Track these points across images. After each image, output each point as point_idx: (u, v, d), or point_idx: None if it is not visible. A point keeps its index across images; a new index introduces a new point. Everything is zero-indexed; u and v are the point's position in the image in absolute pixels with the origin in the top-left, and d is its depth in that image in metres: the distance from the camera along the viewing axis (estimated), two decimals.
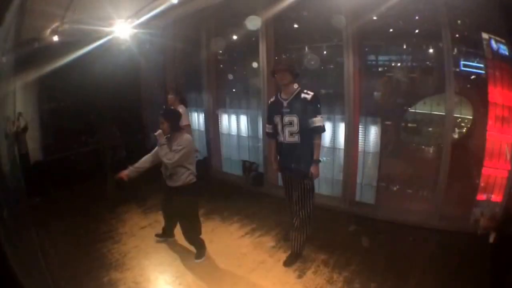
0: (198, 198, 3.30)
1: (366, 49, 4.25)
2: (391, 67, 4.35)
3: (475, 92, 3.76)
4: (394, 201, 4.17)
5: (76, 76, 5.06)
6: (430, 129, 4.18)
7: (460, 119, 3.94)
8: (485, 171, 3.68)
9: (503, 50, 3.58)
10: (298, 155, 2.97)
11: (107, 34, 4.83)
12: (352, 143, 4.14)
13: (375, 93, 4.35)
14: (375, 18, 4.14)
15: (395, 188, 4.29)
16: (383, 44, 4.32)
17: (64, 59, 4.71)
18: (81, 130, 5.91)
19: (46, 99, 5.65)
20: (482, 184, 3.72)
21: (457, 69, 4.05)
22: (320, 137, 2.95)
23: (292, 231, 3.21)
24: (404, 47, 4.32)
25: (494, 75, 3.63)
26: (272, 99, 3.12)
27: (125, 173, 3.18)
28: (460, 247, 3.17)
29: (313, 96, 2.89)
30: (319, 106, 2.92)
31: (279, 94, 3.04)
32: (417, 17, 4.08)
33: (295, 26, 4.68)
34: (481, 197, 3.72)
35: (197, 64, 5.81)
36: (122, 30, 4.90)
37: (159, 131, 3.09)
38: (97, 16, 4.45)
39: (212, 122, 5.85)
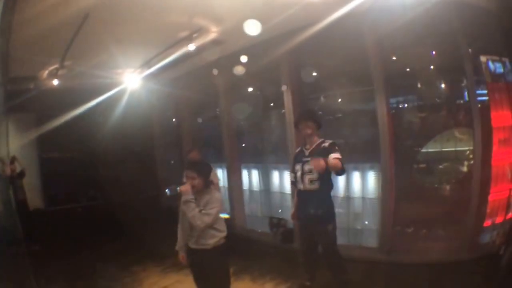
0: (228, 260, 2.78)
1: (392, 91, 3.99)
2: (404, 108, 4.17)
3: (480, 121, 3.57)
4: (419, 243, 3.90)
5: (82, 127, 4.62)
6: (443, 166, 4.02)
7: (468, 152, 3.83)
8: (490, 197, 3.60)
9: (499, 68, 3.60)
10: (317, 202, 2.92)
11: (115, 84, 4.35)
12: (388, 191, 3.86)
13: None
14: (394, 58, 4.01)
15: (415, 230, 4.02)
16: (404, 84, 4.13)
17: (67, 110, 4.25)
18: (88, 183, 5.37)
19: (47, 148, 5.11)
20: (488, 211, 3.63)
21: (462, 101, 3.95)
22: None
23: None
24: (419, 85, 4.10)
25: (495, 98, 3.56)
26: (297, 150, 3.19)
27: (182, 256, 2.75)
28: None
29: (331, 143, 2.93)
30: (336, 148, 2.88)
31: (303, 146, 3.11)
32: (433, 52, 3.90)
33: (317, 73, 4.36)
34: (488, 223, 3.65)
35: (215, 117, 5.40)
36: (131, 80, 4.43)
37: (187, 186, 2.52)
38: (102, 65, 4.00)
39: (234, 178, 5.36)
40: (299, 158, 3.05)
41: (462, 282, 3.14)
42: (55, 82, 4.17)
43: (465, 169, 3.91)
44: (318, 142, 2.99)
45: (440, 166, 4.06)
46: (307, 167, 2.93)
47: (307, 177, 2.94)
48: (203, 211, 2.51)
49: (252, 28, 3.31)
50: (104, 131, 4.80)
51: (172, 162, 6.12)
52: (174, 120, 6.10)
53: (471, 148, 3.73)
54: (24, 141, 4.78)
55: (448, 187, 3.99)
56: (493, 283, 2.83)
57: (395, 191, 3.93)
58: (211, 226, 2.55)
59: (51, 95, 4.36)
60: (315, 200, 2.93)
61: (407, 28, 3.38)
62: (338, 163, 2.73)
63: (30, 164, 4.88)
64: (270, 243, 4.73)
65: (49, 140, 4.94)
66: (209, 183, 2.62)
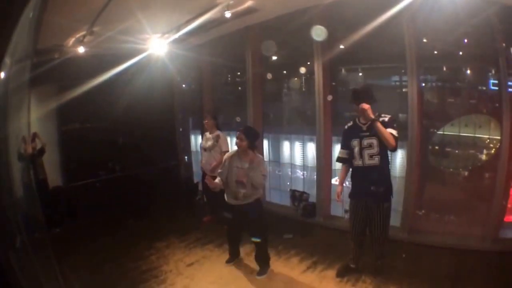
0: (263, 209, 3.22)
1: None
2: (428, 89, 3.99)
3: (510, 113, 3.37)
4: (435, 226, 3.75)
5: (103, 95, 4.22)
6: (460, 151, 3.82)
7: (488, 140, 3.69)
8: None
9: None
10: (377, 178, 2.76)
11: (140, 50, 4.03)
12: (414, 171, 3.63)
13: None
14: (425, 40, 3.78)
15: (430, 213, 3.86)
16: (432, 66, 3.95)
17: (89, 78, 3.93)
18: (108, 155, 4.95)
19: (66, 120, 4.67)
20: (509, 206, 3.50)
21: (484, 88, 3.82)
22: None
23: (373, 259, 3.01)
24: (444, 69, 4.00)
25: None
26: (349, 124, 2.93)
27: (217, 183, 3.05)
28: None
29: (390, 118, 2.75)
30: (395, 125, 2.74)
31: (357, 119, 2.87)
32: (465, 40, 3.71)
33: (351, 46, 4.06)
34: (509, 218, 3.53)
35: (239, 86, 5.13)
36: (157, 46, 4.09)
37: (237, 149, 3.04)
38: (129, 30, 3.72)
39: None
40: (355, 133, 2.84)
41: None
42: (81, 49, 3.81)
43: (484, 157, 3.73)
44: (375, 116, 2.73)
45: (457, 151, 3.85)
46: (366, 142, 2.76)
47: (366, 152, 2.76)
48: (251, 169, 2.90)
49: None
50: (125, 97, 4.45)
51: (181, 129, 5.85)
52: (195, 87, 5.78)
53: (491, 137, 3.59)
54: (44, 114, 4.39)
55: (465, 173, 3.80)
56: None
57: (420, 172, 3.73)
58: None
59: (73, 64, 3.98)
60: (376, 176, 2.76)
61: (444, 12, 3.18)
62: (390, 136, 2.62)
63: (50, 138, 4.48)
64: (291, 216, 4.47)
65: (69, 111, 4.53)
66: (253, 146, 3.00)
